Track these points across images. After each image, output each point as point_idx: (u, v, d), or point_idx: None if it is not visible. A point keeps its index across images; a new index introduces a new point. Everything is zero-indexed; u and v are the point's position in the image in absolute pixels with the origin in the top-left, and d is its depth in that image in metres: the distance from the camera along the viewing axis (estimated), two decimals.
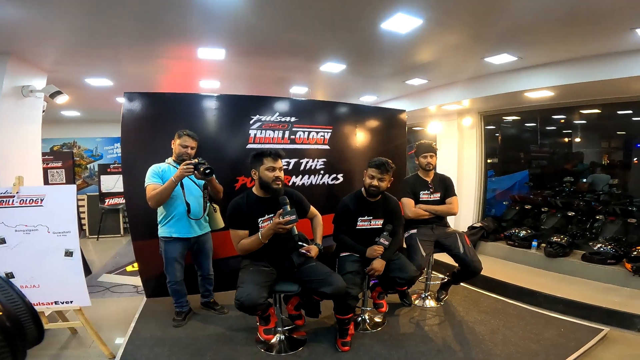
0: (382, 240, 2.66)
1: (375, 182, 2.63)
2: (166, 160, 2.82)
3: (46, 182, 6.67)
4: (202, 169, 2.55)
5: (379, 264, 2.61)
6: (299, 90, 5.50)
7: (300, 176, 3.61)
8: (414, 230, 3.14)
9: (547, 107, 4.90)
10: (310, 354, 2.50)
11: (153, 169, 2.72)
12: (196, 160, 2.61)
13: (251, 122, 3.39)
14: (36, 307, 0.71)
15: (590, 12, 2.65)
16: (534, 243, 4.57)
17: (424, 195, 3.21)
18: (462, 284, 3.42)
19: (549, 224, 4.75)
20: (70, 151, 7.90)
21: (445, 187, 3.28)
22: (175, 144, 2.79)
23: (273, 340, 2.56)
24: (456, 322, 2.98)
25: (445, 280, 3.35)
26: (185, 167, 2.54)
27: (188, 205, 2.72)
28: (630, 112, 4.55)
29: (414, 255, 2.96)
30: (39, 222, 2.47)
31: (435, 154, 3.27)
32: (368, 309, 2.96)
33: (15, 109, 3.63)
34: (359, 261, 2.65)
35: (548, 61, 3.85)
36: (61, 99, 3.96)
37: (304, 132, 3.60)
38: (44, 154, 4.41)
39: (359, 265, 2.62)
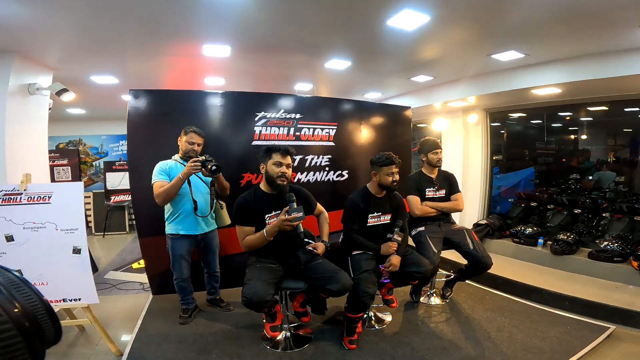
0: (395, 236, 2.66)
1: (396, 177, 2.66)
2: (172, 157, 2.83)
3: (52, 179, 6.70)
4: (209, 166, 2.56)
5: (396, 260, 2.61)
6: (303, 87, 5.48)
7: (305, 173, 3.61)
8: (422, 228, 3.14)
9: (554, 104, 4.85)
10: (315, 351, 2.51)
11: (160, 165, 2.72)
12: (203, 158, 2.62)
13: (256, 118, 3.39)
14: None
15: (597, 10, 2.62)
16: (540, 240, 4.54)
17: (429, 192, 3.20)
18: (467, 281, 3.42)
19: (555, 222, 4.73)
20: (75, 149, 7.94)
21: (449, 183, 3.28)
22: (182, 141, 2.79)
23: (279, 337, 2.58)
24: (462, 320, 2.98)
25: (451, 277, 3.35)
26: (192, 164, 2.55)
27: (195, 202, 2.73)
28: (637, 109, 4.50)
29: (425, 252, 2.95)
30: (47, 219, 2.47)
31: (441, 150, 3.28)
32: (374, 305, 2.96)
33: (22, 107, 3.64)
34: (373, 259, 2.64)
35: (555, 58, 3.81)
36: (67, 97, 3.97)
37: (309, 128, 3.60)
38: (49, 152, 4.42)
39: (374, 263, 2.62)
